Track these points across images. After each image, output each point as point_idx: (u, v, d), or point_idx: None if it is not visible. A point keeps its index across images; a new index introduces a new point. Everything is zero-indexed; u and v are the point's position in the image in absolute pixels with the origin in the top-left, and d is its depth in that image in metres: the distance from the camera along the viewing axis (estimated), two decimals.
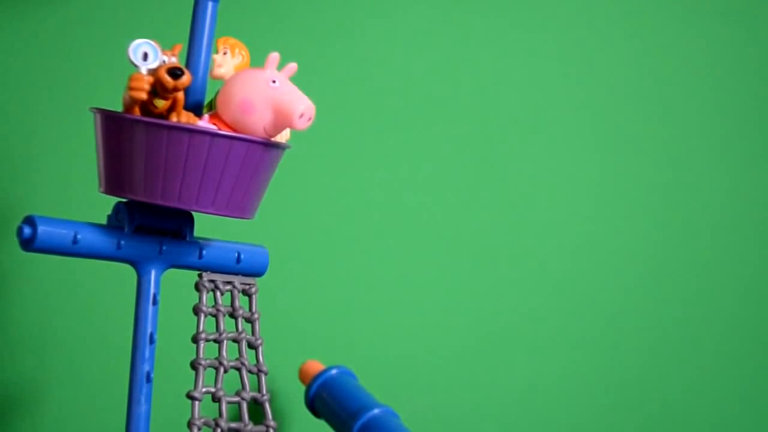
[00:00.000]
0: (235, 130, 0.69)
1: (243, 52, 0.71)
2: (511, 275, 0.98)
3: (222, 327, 0.73)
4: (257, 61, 0.70)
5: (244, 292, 0.75)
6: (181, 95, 0.68)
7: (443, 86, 0.98)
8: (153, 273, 0.71)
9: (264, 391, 0.73)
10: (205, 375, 0.71)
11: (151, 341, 0.71)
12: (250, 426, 0.72)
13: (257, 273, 0.76)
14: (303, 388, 0.87)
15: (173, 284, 0.76)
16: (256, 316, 0.74)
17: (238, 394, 0.73)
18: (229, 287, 0.74)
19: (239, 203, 0.70)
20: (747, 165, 1.02)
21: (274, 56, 0.69)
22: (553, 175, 0.99)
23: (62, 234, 0.69)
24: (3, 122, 0.88)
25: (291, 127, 0.69)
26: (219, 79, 0.70)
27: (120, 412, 0.72)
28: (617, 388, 1.00)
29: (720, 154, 1.02)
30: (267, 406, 0.73)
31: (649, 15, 1.01)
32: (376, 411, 0.80)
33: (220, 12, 0.71)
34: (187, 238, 0.73)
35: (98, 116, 0.70)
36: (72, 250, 0.69)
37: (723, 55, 1.02)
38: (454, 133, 0.98)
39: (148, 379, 0.71)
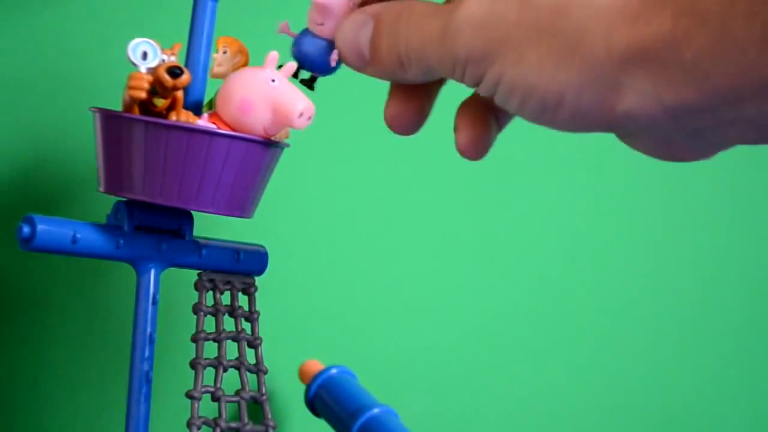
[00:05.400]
0: (234, 129, 0.68)
1: (242, 52, 0.71)
2: (511, 275, 0.98)
3: (221, 326, 0.73)
4: (257, 60, 0.70)
5: (244, 292, 0.75)
6: (180, 94, 0.68)
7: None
8: (152, 272, 0.71)
9: (263, 391, 0.73)
10: (205, 374, 0.71)
11: (151, 341, 0.71)
12: (250, 425, 0.72)
13: (256, 272, 0.76)
14: (303, 387, 0.87)
15: (172, 283, 0.76)
16: (255, 315, 0.74)
17: (237, 393, 0.73)
18: (228, 286, 0.74)
19: (238, 202, 0.70)
20: (747, 164, 1.02)
21: (274, 55, 0.69)
22: (554, 174, 0.99)
23: (61, 233, 0.69)
24: (2, 122, 0.88)
25: (290, 126, 0.69)
26: (218, 79, 0.70)
27: (120, 412, 0.72)
28: (618, 387, 1.00)
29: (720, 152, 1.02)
30: (266, 405, 0.73)
31: None
32: (375, 410, 0.80)
33: (219, 11, 0.71)
34: (187, 238, 0.73)
35: (98, 115, 0.70)
36: (71, 250, 0.69)
37: None
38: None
39: (148, 379, 0.71)
